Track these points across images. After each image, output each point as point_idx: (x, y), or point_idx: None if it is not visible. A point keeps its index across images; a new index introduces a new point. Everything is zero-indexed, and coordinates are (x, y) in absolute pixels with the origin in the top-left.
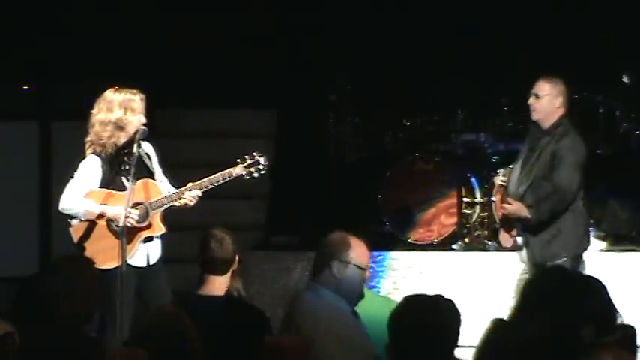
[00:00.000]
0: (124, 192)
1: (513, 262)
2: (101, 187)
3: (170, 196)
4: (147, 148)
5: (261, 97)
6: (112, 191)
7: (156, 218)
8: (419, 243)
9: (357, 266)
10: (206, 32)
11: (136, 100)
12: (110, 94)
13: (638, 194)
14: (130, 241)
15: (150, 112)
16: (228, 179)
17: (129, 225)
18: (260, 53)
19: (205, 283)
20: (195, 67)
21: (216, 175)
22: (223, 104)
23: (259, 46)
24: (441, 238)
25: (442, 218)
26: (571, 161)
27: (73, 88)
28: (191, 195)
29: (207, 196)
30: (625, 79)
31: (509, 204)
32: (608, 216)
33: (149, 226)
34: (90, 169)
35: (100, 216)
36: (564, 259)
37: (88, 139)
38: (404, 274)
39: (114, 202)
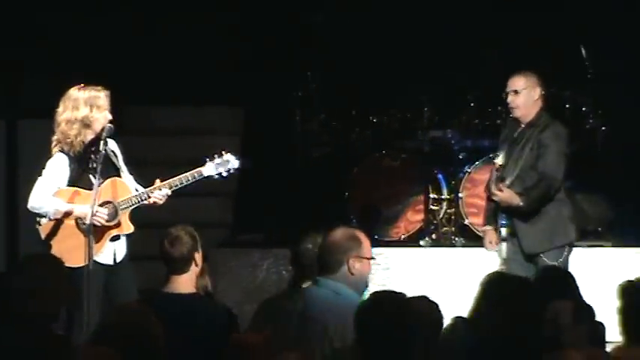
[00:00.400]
0: (92, 190)
1: (480, 258)
2: (69, 185)
3: (139, 194)
4: (112, 145)
5: (228, 94)
6: (79, 189)
7: (124, 217)
8: (386, 239)
9: (369, 259)
10: (173, 29)
11: (101, 97)
12: (75, 92)
13: (605, 190)
14: (98, 239)
15: (117, 109)
16: (198, 178)
17: (97, 224)
18: (227, 50)
19: (169, 281)
20: (161, 64)
21: (186, 174)
22: (190, 101)
23: (226, 43)
24: (408, 234)
25: (409, 215)
26: (556, 149)
27: (39, 86)
28: (161, 194)
29: (173, 193)
30: (582, 52)
31: (501, 191)
32: (575, 212)
33: (118, 225)
34: (58, 168)
35: (68, 214)
36: (559, 248)
37: (55, 137)
38: (371, 271)
39: (81, 201)
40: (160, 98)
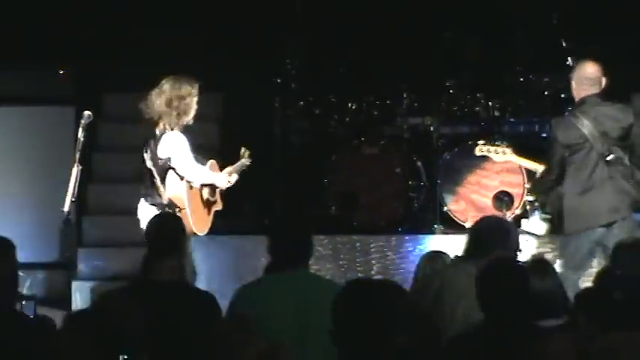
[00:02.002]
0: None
1: (460, 245)
2: None
3: (235, 167)
4: None
5: (207, 81)
6: None
7: (220, 195)
8: (365, 226)
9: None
10: (152, 16)
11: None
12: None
13: None
14: (208, 213)
15: (99, 96)
16: (243, 168)
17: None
18: (207, 38)
19: (152, 267)
20: (139, 50)
21: (237, 164)
22: None
23: (206, 30)
24: (388, 221)
25: (388, 202)
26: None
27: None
28: (232, 178)
29: None
30: (570, 62)
31: None
32: (554, 199)
33: (216, 202)
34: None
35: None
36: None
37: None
38: (350, 258)
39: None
40: (139, 85)
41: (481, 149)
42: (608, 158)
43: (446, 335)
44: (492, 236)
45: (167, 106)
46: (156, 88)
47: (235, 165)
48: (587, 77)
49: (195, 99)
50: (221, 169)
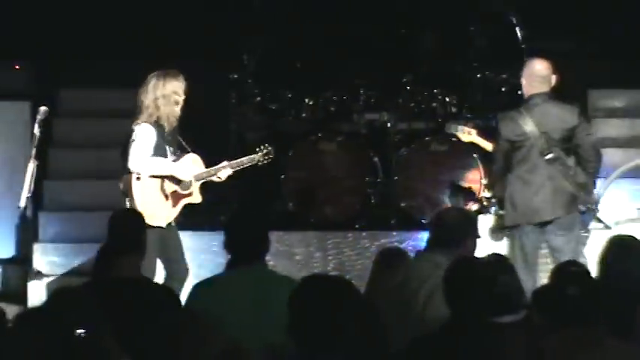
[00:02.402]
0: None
1: (416, 240)
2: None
3: (209, 171)
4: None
5: None
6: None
7: (196, 188)
8: (322, 222)
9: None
10: (109, 11)
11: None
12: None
13: None
14: (174, 205)
15: (55, 92)
16: (249, 164)
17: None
18: (162, 34)
19: (113, 264)
20: (95, 48)
21: (242, 159)
22: (122, 84)
23: (162, 26)
24: (344, 217)
25: (345, 197)
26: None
27: None
28: (226, 173)
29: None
30: (518, 33)
31: None
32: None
33: (190, 194)
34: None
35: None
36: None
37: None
38: (307, 254)
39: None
40: (95, 81)
41: (449, 127)
42: (547, 157)
43: (417, 323)
44: (461, 228)
45: (151, 103)
46: (143, 84)
47: (235, 161)
48: (536, 75)
49: (181, 91)
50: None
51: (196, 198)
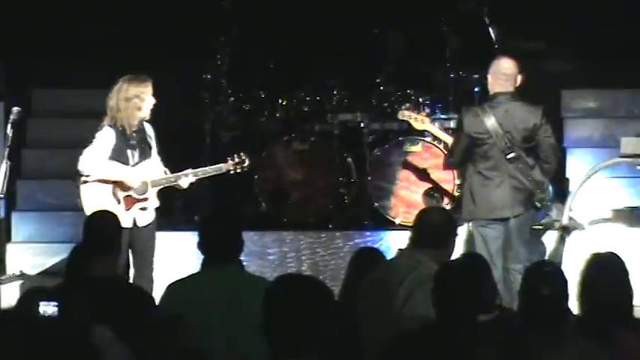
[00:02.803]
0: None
1: (389, 240)
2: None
3: (169, 177)
4: (149, 130)
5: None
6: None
7: (153, 193)
8: (295, 223)
9: None
10: (82, 12)
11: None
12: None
13: None
14: (128, 208)
15: (27, 92)
16: (218, 172)
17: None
18: (136, 34)
19: (89, 264)
20: (70, 46)
21: (209, 167)
22: (99, 85)
23: (136, 26)
24: (318, 217)
25: (318, 198)
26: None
27: None
28: (187, 180)
29: None
30: (491, 33)
31: None
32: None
33: (146, 199)
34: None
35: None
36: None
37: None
38: (280, 254)
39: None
40: (68, 81)
41: (403, 114)
42: (508, 156)
43: (396, 320)
44: (444, 228)
45: (114, 106)
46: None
47: (200, 169)
48: (502, 73)
49: (144, 96)
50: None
51: (153, 203)
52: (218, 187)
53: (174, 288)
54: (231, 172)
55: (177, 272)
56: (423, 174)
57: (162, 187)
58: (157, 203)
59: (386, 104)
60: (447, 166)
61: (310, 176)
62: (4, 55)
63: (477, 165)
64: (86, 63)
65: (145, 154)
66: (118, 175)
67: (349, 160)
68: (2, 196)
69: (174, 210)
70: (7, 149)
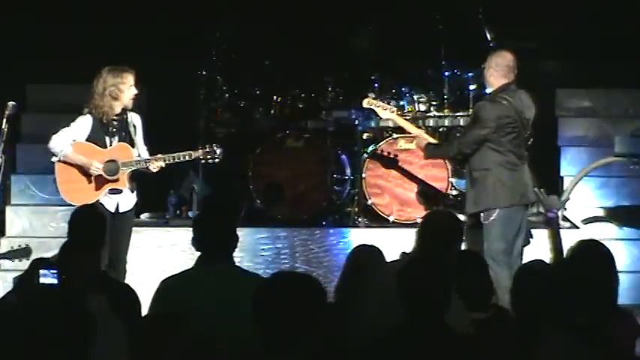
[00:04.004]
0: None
1: (383, 238)
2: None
3: (139, 160)
4: (135, 119)
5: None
6: (93, 145)
7: (123, 175)
8: (289, 219)
9: None
10: (78, 8)
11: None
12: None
13: None
14: (97, 188)
15: (21, 87)
16: (188, 159)
17: (94, 173)
18: (131, 29)
19: (75, 260)
20: (65, 42)
21: (179, 153)
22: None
23: (131, 22)
24: (312, 214)
25: (312, 195)
26: (474, 119)
27: None
28: (157, 164)
29: None
30: (486, 31)
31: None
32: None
33: (116, 180)
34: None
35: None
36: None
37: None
38: (274, 251)
39: (90, 154)
40: (65, 77)
41: (369, 102)
42: (529, 142)
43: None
44: (452, 231)
45: (93, 95)
46: None
47: (170, 154)
48: (507, 64)
49: (123, 87)
50: None
51: (121, 184)
52: (212, 183)
53: (168, 284)
54: (202, 160)
55: (171, 268)
56: (417, 172)
57: (132, 169)
58: (125, 185)
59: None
60: (441, 156)
61: (304, 173)
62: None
63: (504, 154)
64: (81, 58)
65: (123, 141)
66: (86, 154)
67: (343, 157)
68: None
69: (168, 206)
70: (2, 144)
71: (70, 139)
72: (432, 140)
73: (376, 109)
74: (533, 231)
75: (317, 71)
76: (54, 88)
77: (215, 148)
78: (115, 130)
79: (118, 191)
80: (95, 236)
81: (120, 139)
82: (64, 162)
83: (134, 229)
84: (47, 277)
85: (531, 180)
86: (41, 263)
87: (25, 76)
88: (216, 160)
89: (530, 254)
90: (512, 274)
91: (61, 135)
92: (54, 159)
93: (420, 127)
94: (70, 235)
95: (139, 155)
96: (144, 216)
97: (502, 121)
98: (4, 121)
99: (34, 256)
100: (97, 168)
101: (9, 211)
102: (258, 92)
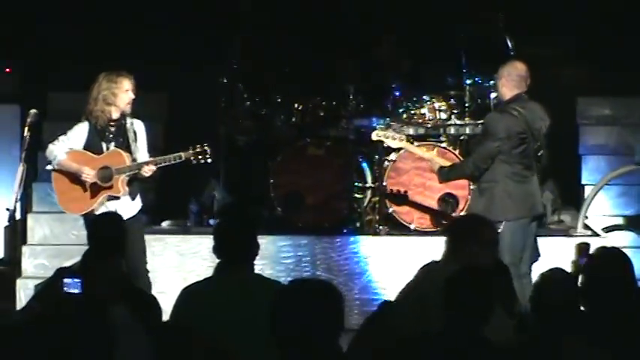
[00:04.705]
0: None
1: (403, 246)
2: (84, 148)
3: (132, 165)
4: (137, 126)
5: (153, 80)
6: (87, 152)
7: (118, 181)
8: (310, 227)
9: None
10: (98, 15)
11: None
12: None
13: None
14: (93, 196)
15: (43, 95)
16: (178, 160)
17: (87, 181)
18: (153, 38)
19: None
20: (86, 49)
21: (169, 156)
22: None
23: (152, 30)
24: (333, 222)
25: (333, 203)
26: (485, 133)
27: None
28: (149, 168)
29: None
30: (507, 41)
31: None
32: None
33: (111, 187)
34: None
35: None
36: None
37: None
38: (295, 259)
39: (84, 161)
40: (84, 84)
41: (377, 134)
42: (539, 154)
43: None
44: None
45: (90, 101)
46: None
47: (160, 157)
48: (519, 75)
49: (118, 92)
50: None
51: (116, 190)
52: (233, 191)
53: (190, 292)
54: (193, 161)
55: (192, 276)
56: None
57: (126, 174)
58: (120, 191)
59: (401, 110)
60: (457, 177)
61: (325, 181)
62: (21, 58)
63: (512, 165)
64: (102, 66)
65: (120, 147)
66: (80, 161)
67: (364, 165)
68: (18, 198)
69: (189, 214)
70: (24, 152)
71: (65, 147)
72: (445, 163)
73: (385, 140)
74: (551, 239)
75: (338, 79)
76: (76, 97)
77: (205, 147)
78: (111, 136)
79: (115, 198)
80: (115, 243)
81: (116, 145)
82: (59, 171)
83: (156, 236)
84: (71, 287)
85: (540, 191)
86: (65, 272)
87: (47, 84)
88: (208, 161)
89: (548, 263)
90: (521, 286)
91: (56, 143)
92: (48, 167)
93: (431, 150)
94: (90, 242)
95: (134, 160)
96: (165, 223)
97: (512, 132)
98: (26, 129)
99: (55, 264)
100: (87, 174)
101: (30, 219)
102: (279, 100)
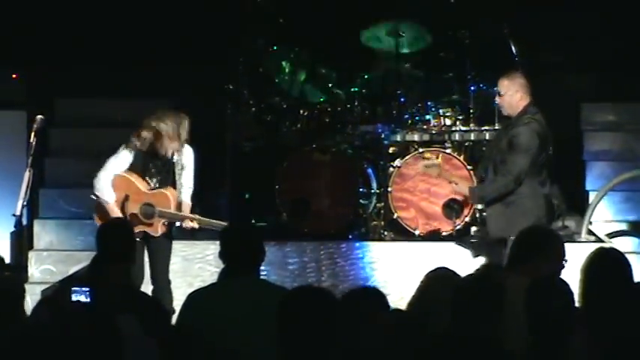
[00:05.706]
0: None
1: (408, 252)
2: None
3: (175, 215)
4: (186, 156)
5: (159, 87)
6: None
7: (159, 223)
8: (315, 233)
9: None
10: (104, 22)
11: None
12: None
13: None
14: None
15: (50, 101)
16: (220, 228)
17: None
18: (158, 44)
19: (102, 271)
20: (92, 56)
21: (215, 222)
22: (121, 94)
23: (158, 36)
24: (338, 228)
25: (338, 208)
26: (517, 147)
27: None
28: (190, 224)
29: None
30: (512, 47)
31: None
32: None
33: (150, 225)
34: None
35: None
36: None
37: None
38: (300, 264)
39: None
40: (95, 91)
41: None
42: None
43: None
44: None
45: (168, 134)
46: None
47: (204, 219)
48: (526, 84)
49: (183, 132)
50: None
51: (154, 230)
52: (239, 197)
53: (195, 297)
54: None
55: (198, 282)
56: (443, 186)
57: (168, 220)
58: (158, 232)
59: (406, 115)
60: (493, 194)
61: (331, 187)
62: (26, 65)
63: (538, 175)
64: (108, 72)
65: (165, 181)
66: (127, 190)
67: (369, 170)
68: (25, 204)
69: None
70: (30, 158)
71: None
72: (470, 184)
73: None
74: None
75: (344, 85)
76: (82, 103)
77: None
78: (156, 170)
79: (149, 236)
80: (124, 249)
81: (161, 179)
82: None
83: None
84: (79, 295)
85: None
86: (73, 281)
87: (53, 90)
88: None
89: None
90: None
91: (100, 173)
92: (94, 196)
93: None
94: (99, 249)
95: (180, 194)
96: None
97: (542, 142)
98: (33, 135)
99: (61, 269)
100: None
101: (36, 225)
102: (284, 106)
